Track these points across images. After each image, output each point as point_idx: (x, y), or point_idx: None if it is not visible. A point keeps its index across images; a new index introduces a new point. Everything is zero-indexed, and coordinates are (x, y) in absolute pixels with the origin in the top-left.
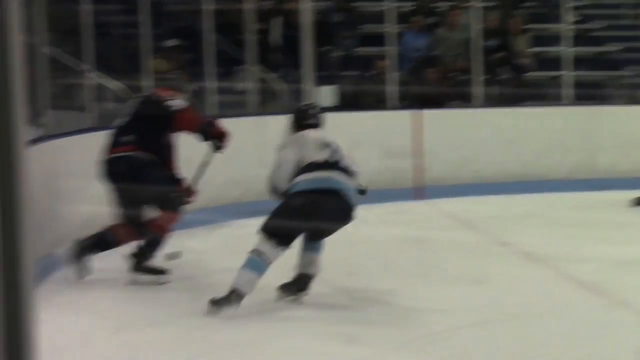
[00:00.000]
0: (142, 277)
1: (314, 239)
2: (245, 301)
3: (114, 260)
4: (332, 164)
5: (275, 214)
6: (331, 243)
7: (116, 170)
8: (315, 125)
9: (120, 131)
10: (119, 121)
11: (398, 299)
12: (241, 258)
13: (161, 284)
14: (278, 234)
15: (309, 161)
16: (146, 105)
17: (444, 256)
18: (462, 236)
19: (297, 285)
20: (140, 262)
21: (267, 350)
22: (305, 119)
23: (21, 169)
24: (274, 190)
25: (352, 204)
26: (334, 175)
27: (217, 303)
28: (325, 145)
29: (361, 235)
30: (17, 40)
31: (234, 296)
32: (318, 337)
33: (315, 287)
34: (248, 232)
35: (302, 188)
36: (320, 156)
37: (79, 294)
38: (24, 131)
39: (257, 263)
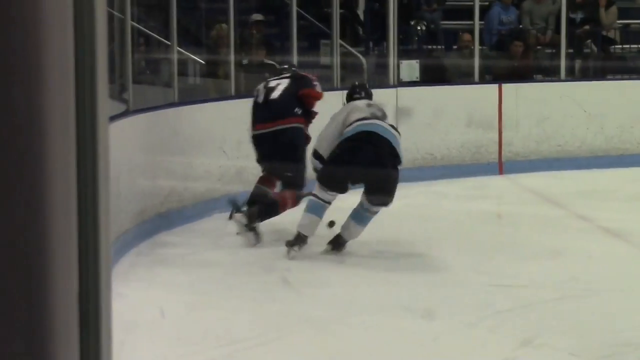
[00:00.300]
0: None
1: (372, 202)
2: (323, 276)
3: (189, 237)
4: (376, 118)
5: (327, 162)
6: (411, 217)
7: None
8: (364, 98)
9: (271, 106)
10: (260, 96)
11: (476, 274)
12: None
13: (253, 245)
14: (329, 180)
15: (355, 119)
16: (299, 83)
17: (524, 231)
18: (543, 211)
19: (332, 244)
20: (256, 221)
21: (345, 326)
22: (355, 93)
23: (103, 144)
24: (314, 154)
25: (396, 148)
26: (377, 122)
27: (289, 244)
28: (371, 109)
29: (442, 210)
30: (101, 14)
31: (299, 238)
32: (393, 312)
33: (392, 262)
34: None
35: (347, 135)
36: (365, 114)
37: (156, 270)
38: (107, 105)
39: (314, 206)
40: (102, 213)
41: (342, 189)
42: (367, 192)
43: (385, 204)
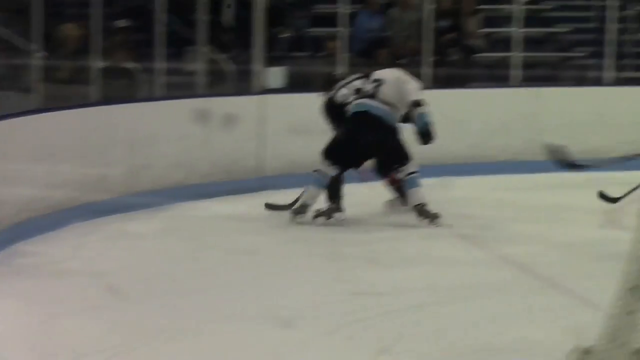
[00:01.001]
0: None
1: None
2: (182, 285)
3: (47, 247)
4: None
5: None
6: (269, 224)
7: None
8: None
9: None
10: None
11: (336, 282)
12: (181, 241)
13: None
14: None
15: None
16: None
17: (384, 238)
18: (402, 218)
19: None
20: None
21: (202, 335)
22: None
23: None
24: None
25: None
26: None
27: (294, 212)
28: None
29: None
30: None
31: (303, 208)
32: (252, 321)
33: (250, 270)
34: (190, 215)
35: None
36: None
37: (11, 281)
38: None
39: (317, 179)
40: None
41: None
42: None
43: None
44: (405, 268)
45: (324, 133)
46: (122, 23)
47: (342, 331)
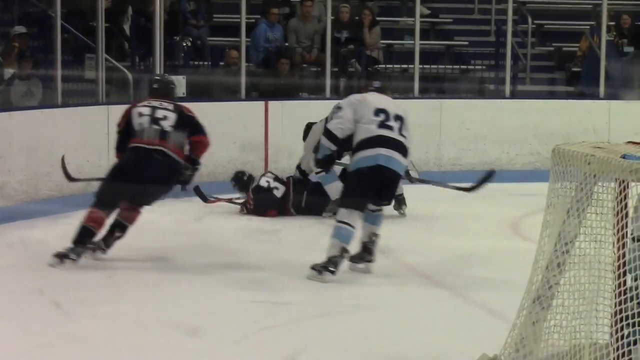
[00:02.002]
0: None
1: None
2: (90, 295)
3: None
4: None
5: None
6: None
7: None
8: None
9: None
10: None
11: (241, 291)
12: None
13: None
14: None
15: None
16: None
17: (288, 248)
18: (307, 227)
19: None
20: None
21: (109, 344)
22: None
23: None
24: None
25: (400, 174)
26: (383, 152)
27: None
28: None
29: (208, 226)
30: None
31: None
32: (158, 330)
33: (156, 277)
34: None
35: (356, 168)
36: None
37: None
38: None
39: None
40: None
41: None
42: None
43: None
44: (303, 278)
45: None
46: (19, 29)
47: (248, 339)
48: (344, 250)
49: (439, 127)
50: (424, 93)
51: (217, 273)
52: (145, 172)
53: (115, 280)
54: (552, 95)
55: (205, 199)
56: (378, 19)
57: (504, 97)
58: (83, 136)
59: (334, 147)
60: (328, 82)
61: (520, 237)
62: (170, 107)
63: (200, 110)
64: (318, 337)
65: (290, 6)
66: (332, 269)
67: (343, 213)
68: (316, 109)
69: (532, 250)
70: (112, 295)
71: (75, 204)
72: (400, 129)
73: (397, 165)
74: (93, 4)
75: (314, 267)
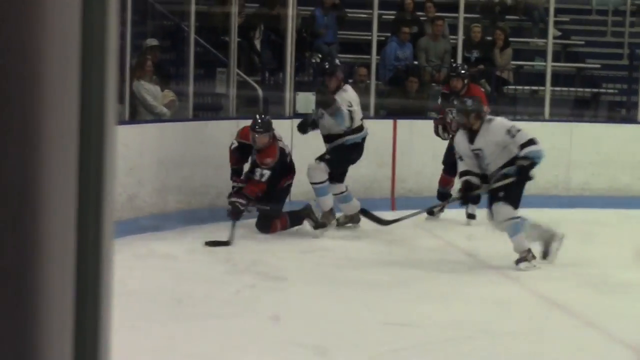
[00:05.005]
0: None
1: None
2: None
3: None
4: None
5: None
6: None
7: None
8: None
9: None
10: None
11: (369, 312)
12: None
13: None
14: None
15: None
16: None
17: (417, 270)
18: (434, 249)
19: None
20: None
21: None
22: None
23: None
24: None
25: None
26: None
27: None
28: None
29: (334, 245)
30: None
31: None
32: (287, 349)
33: (283, 297)
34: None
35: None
36: None
37: None
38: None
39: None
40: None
41: None
42: None
43: None
44: (438, 301)
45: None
46: (152, 42)
47: None
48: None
49: (568, 150)
50: (554, 116)
51: (346, 293)
52: None
53: (243, 297)
54: None
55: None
56: (509, 39)
57: (636, 122)
58: (213, 150)
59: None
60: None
61: None
62: None
63: None
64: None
65: (420, 25)
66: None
67: None
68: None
69: None
70: (240, 311)
71: (202, 218)
72: None
73: None
74: (226, 19)
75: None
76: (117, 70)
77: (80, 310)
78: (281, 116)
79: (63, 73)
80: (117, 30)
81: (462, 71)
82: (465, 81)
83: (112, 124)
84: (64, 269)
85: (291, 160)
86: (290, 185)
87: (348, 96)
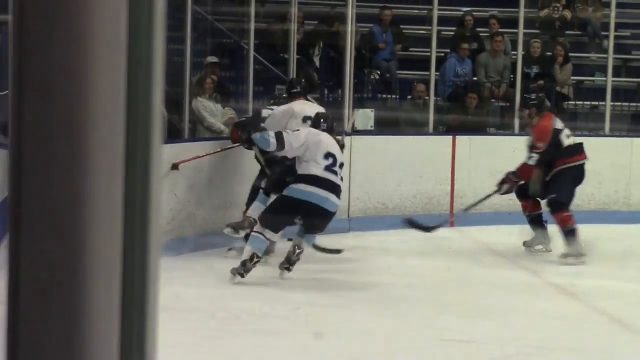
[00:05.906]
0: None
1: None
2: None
3: None
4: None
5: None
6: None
7: None
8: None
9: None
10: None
11: (429, 330)
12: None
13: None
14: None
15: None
16: None
17: (474, 286)
18: (493, 265)
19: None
20: None
21: None
22: (319, 124)
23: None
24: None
25: (333, 212)
26: (318, 192)
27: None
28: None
29: (393, 262)
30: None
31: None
32: None
33: (343, 313)
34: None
35: (290, 195)
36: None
37: None
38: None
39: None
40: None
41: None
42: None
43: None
44: (496, 316)
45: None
46: (212, 59)
47: None
48: (255, 257)
49: (629, 166)
50: (614, 131)
51: (405, 309)
52: None
53: (301, 313)
54: None
55: (425, 228)
56: (569, 54)
57: None
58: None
59: (273, 149)
60: (517, 117)
61: None
62: None
63: (388, 143)
64: None
65: (479, 41)
66: (241, 272)
67: (260, 226)
68: (504, 145)
69: None
70: (297, 327)
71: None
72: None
73: (330, 205)
74: (285, 37)
75: (231, 271)
76: (166, 85)
77: (126, 323)
78: (339, 133)
79: (109, 89)
80: (164, 42)
81: (529, 101)
82: (534, 111)
83: (158, 140)
84: (110, 283)
85: None
86: None
87: None
